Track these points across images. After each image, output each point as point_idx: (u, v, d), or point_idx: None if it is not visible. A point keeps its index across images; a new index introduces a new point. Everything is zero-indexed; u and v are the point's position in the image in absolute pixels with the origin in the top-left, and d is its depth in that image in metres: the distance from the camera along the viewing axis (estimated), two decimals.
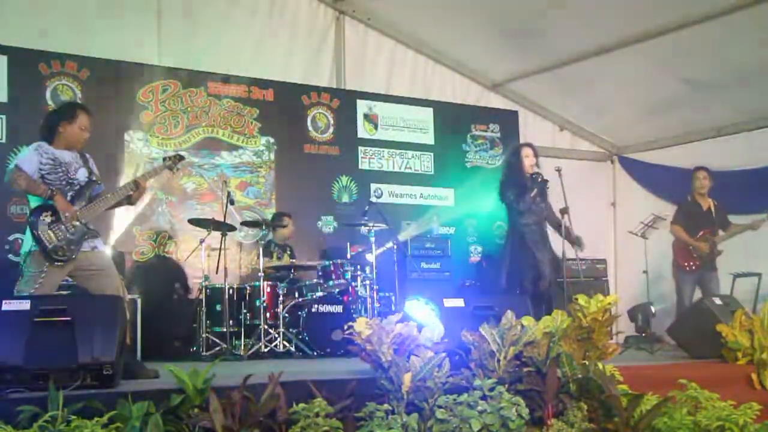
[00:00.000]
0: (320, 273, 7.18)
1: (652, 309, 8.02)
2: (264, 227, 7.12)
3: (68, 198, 4.51)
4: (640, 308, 8.27)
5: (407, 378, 3.57)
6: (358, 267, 7.16)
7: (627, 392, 3.94)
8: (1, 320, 3.61)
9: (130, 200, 4.84)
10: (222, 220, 6.83)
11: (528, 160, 6.27)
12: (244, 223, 7.35)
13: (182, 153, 6.00)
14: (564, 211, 6.16)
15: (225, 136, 7.78)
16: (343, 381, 3.72)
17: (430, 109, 8.98)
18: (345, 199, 8.37)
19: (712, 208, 7.29)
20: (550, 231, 6.37)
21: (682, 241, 7.09)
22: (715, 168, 8.10)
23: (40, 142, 4.59)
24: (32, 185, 4.43)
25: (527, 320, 4.04)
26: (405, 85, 9.09)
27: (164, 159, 5.20)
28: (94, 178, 4.70)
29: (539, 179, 6.13)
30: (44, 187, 4.43)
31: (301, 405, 3.36)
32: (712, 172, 7.49)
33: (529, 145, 6.45)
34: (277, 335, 6.59)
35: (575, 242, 6.23)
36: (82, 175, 4.64)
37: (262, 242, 6.99)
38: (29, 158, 4.49)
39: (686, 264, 7.02)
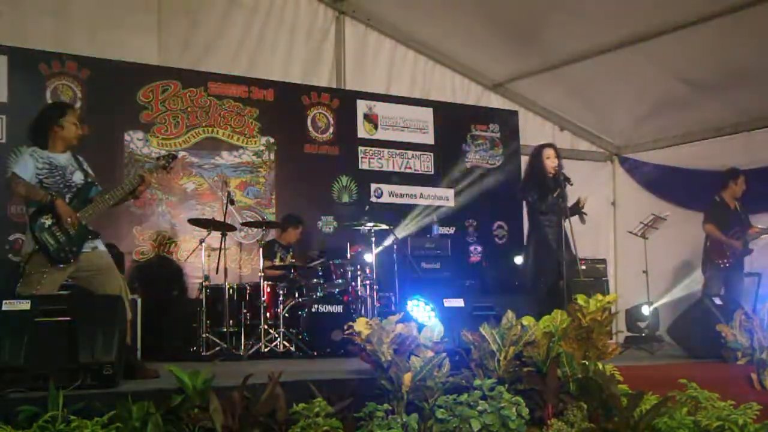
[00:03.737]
0: (320, 273, 7.18)
1: (644, 310, 8.04)
2: (264, 227, 7.11)
3: (66, 200, 4.50)
4: (632, 310, 8.29)
5: (407, 378, 3.57)
6: (358, 267, 7.16)
7: (627, 392, 3.94)
8: (1, 320, 3.61)
9: (134, 194, 4.84)
10: (222, 220, 6.83)
11: (550, 161, 6.26)
12: (251, 224, 7.33)
13: (177, 152, 6.01)
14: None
15: (225, 136, 7.78)
16: (343, 381, 3.72)
17: (430, 109, 8.98)
18: (345, 199, 8.37)
19: (739, 208, 7.39)
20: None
21: (716, 240, 7.20)
22: (715, 168, 8.13)
23: (33, 147, 4.58)
24: (32, 191, 4.43)
25: (527, 320, 4.04)
26: (405, 85, 9.10)
27: (158, 158, 5.21)
28: (90, 180, 4.70)
29: (561, 178, 6.14)
30: (43, 193, 4.43)
31: (301, 405, 3.36)
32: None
33: (551, 145, 6.44)
34: (277, 335, 6.59)
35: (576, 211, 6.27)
36: (78, 177, 4.64)
37: (263, 242, 6.98)
38: (25, 164, 4.48)
39: (720, 261, 7.18)
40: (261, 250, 6.87)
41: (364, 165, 8.53)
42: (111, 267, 4.66)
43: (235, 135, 7.83)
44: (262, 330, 6.53)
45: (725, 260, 7.18)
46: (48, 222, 4.40)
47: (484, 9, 8.03)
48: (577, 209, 6.26)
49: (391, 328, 3.70)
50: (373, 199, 8.33)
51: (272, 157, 8.01)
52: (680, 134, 9.22)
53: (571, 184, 6.14)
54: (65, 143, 4.64)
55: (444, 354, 3.73)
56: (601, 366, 3.95)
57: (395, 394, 3.60)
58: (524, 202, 6.78)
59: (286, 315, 6.76)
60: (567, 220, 6.10)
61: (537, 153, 6.41)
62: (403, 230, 8.42)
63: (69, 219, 4.42)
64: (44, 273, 4.36)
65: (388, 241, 7.62)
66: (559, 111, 9.85)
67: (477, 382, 3.71)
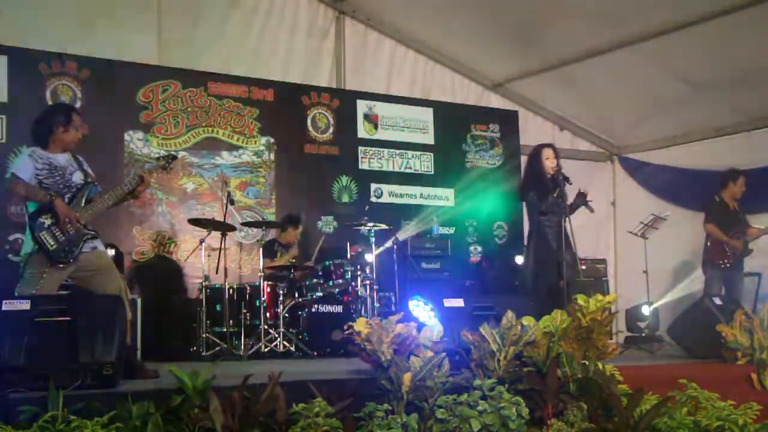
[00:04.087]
0: (320, 273, 7.18)
1: (644, 310, 8.04)
2: (264, 227, 7.10)
3: (66, 200, 4.51)
4: (632, 310, 8.30)
5: (407, 378, 3.57)
6: (358, 267, 7.15)
7: (627, 392, 3.94)
8: (1, 320, 3.61)
9: (134, 194, 4.84)
10: (222, 220, 6.83)
11: (549, 161, 6.27)
12: (251, 224, 7.33)
13: (177, 153, 6.02)
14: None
15: (225, 136, 7.78)
16: (343, 381, 3.72)
17: (430, 109, 8.98)
18: (345, 199, 8.37)
19: (737, 209, 7.40)
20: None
21: (717, 240, 7.20)
22: (715, 168, 8.12)
23: (33, 147, 4.60)
24: (32, 192, 4.45)
25: (527, 320, 4.04)
26: (405, 85, 9.10)
27: (158, 159, 5.22)
28: (90, 180, 4.70)
29: (560, 178, 6.14)
30: (43, 193, 4.44)
31: (301, 405, 3.36)
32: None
33: (549, 145, 6.45)
34: (277, 335, 6.59)
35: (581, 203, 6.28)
36: (78, 178, 4.65)
37: (263, 242, 6.98)
38: (24, 165, 4.50)
39: (721, 261, 7.18)
40: (261, 250, 6.87)
41: (364, 165, 8.52)
42: (111, 267, 4.67)
43: (235, 135, 7.83)
44: (262, 330, 6.53)
45: (726, 260, 7.19)
46: (47, 222, 4.41)
47: (484, 9, 8.03)
48: (582, 200, 6.25)
49: (391, 328, 3.71)
50: (373, 199, 8.32)
51: (272, 157, 8.01)
52: (680, 134, 9.22)
53: (570, 184, 6.15)
54: (64, 146, 4.65)
55: (444, 354, 3.73)
56: (601, 366, 3.95)
57: (395, 394, 3.60)
58: (524, 203, 6.77)
59: (286, 315, 6.76)
60: (567, 219, 6.11)
61: (536, 153, 6.42)
62: (403, 230, 8.42)
63: (68, 219, 4.42)
64: (44, 273, 4.37)
65: (388, 242, 7.62)
66: (559, 111, 9.85)
67: (477, 382, 3.71)
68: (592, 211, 6.34)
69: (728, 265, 7.20)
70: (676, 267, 8.79)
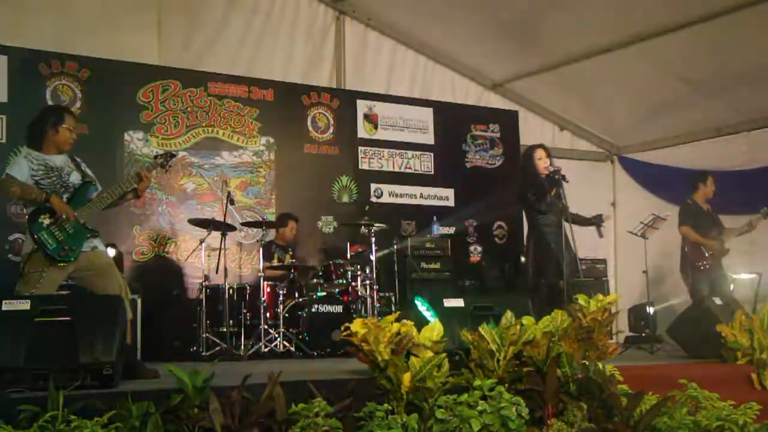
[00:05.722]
0: (320, 273, 7.18)
1: (649, 310, 8.04)
2: (264, 227, 7.11)
3: (64, 200, 4.51)
4: (634, 310, 8.30)
5: (406, 378, 3.56)
6: (358, 267, 7.16)
7: (627, 392, 3.94)
8: (1, 320, 3.61)
9: (136, 193, 4.84)
10: (222, 220, 6.83)
11: (541, 162, 6.28)
12: (251, 224, 7.33)
13: (175, 151, 6.07)
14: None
15: (225, 136, 7.79)
16: (343, 381, 3.72)
17: (430, 109, 8.98)
18: (345, 199, 8.37)
19: (710, 210, 7.38)
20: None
21: (693, 242, 7.18)
22: (715, 168, 8.12)
23: (28, 149, 4.60)
24: (26, 191, 4.44)
25: (527, 320, 4.04)
26: (405, 85, 9.10)
27: (156, 157, 5.22)
28: (88, 180, 4.70)
29: (556, 177, 6.13)
30: (39, 191, 4.44)
31: (301, 405, 3.35)
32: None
33: (541, 146, 6.46)
34: (277, 335, 6.59)
35: (596, 222, 6.29)
36: (75, 178, 4.65)
37: (263, 242, 6.98)
38: (19, 166, 4.50)
39: (700, 263, 7.14)
40: (261, 250, 6.87)
41: (364, 165, 8.52)
42: (111, 267, 4.67)
43: (235, 135, 7.83)
44: (262, 330, 6.53)
45: (704, 262, 7.15)
46: (46, 221, 4.41)
47: (484, 9, 8.03)
48: (598, 221, 6.26)
49: (387, 328, 3.70)
50: (373, 199, 8.33)
51: (272, 157, 8.02)
52: (680, 134, 9.22)
53: (567, 182, 6.13)
54: (57, 147, 4.64)
55: (443, 354, 3.73)
56: (601, 366, 3.95)
57: (395, 394, 3.60)
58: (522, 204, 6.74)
59: (286, 315, 6.77)
60: (567, 219, 6.10)
61: (528, 155, 6.44)
62: (403, 230, 8.42)
63: (65, 215, 4.42)
64: (43, 273, 4.37)
65: (388, 241, 7.62)
66: (559, 111, 9.85)
67: (477, 382, 3.71)
68: (601, 236, 6.35)
69: (707, 266, 7.15)
70: (676, 267, 8.79)
